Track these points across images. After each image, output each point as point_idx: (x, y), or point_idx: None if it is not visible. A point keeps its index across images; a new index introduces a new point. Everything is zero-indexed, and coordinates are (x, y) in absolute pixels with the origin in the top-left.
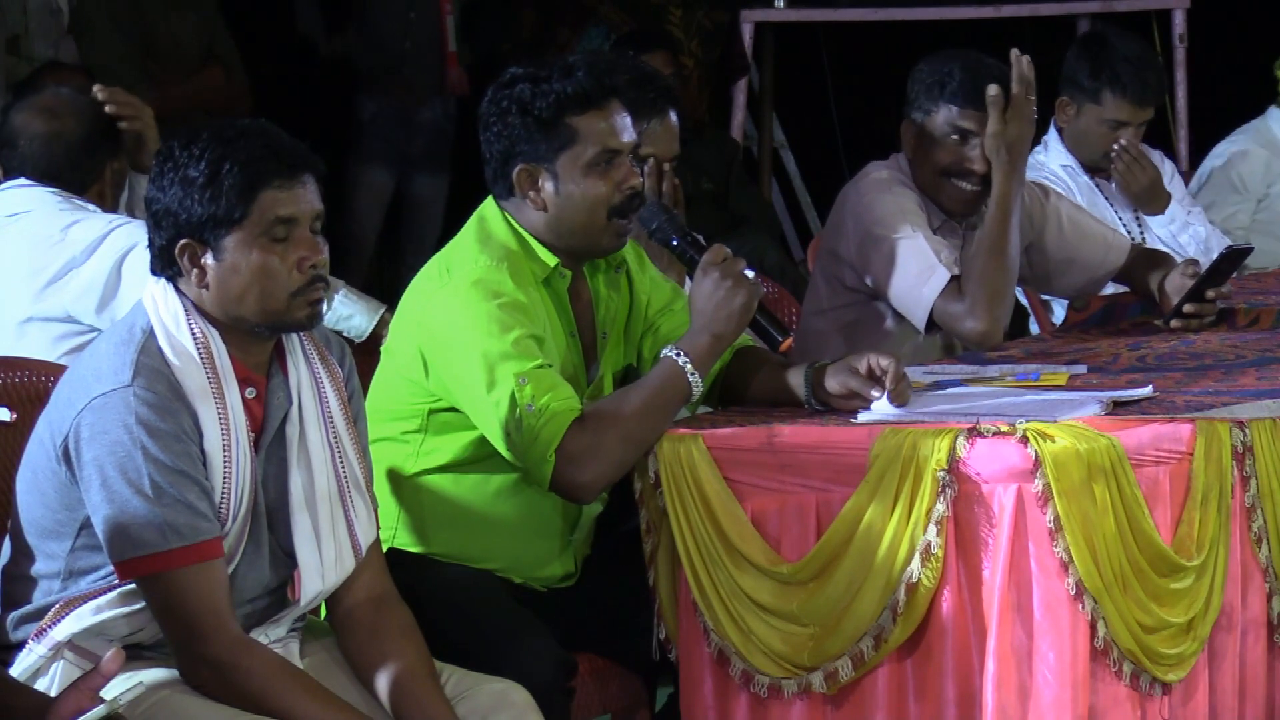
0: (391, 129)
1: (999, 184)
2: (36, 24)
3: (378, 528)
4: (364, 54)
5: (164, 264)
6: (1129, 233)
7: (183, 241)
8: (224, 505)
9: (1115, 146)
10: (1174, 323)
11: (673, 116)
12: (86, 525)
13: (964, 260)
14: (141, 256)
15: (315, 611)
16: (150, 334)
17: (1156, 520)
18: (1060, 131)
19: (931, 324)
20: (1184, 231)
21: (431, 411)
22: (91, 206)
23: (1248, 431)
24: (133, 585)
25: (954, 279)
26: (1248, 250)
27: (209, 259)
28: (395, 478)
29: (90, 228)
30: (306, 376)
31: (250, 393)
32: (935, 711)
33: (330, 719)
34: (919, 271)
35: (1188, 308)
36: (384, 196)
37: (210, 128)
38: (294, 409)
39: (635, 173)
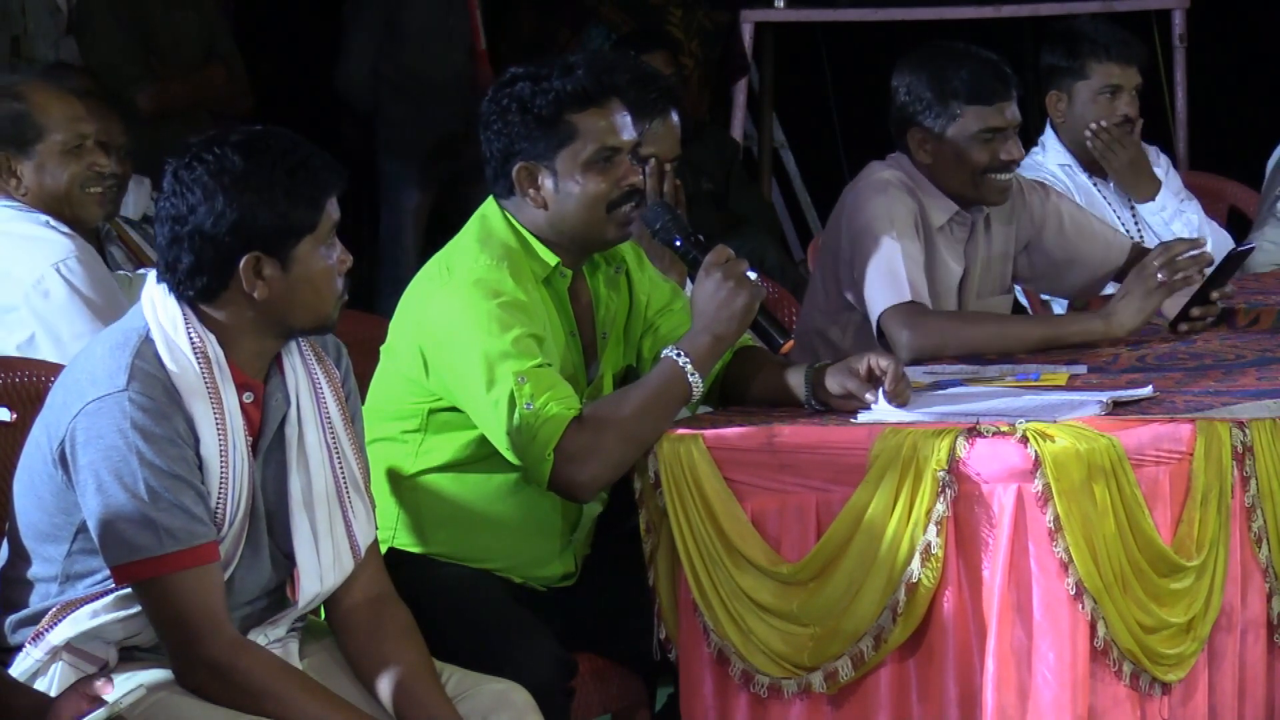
0: (428, 146)
1: None
2: (36, 24)
3: (376, 528)
4: (407, 79)
5: (217, 281)
6: (1128, 232)
7: (249, 255)
8: (220, 509)
9: (1091, 127)
10: (1181, 327)
11: (674, 117)
12: (83, 529)
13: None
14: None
15: (315, 612)
16: (146, 338)
17: (1156, 520)
18: (1056, 130)
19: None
20: (1177, 219)
21: (431, 411)
22: (43, 218)
23: (1248, 431)
24: (129, 589)
25: (910, 303)
26: (1250, 251)
27: (273, 270)
28: (395, 477)
29: (30, 266)
30: (304, 378)
31: (248, 397)
32: (936, 711)
33: (330, 718)
34: (883, 278)
35: (1194, 311)
36: (421, 219)
37: (232, 140)
38: (292, 410)
39: (635, 170)
